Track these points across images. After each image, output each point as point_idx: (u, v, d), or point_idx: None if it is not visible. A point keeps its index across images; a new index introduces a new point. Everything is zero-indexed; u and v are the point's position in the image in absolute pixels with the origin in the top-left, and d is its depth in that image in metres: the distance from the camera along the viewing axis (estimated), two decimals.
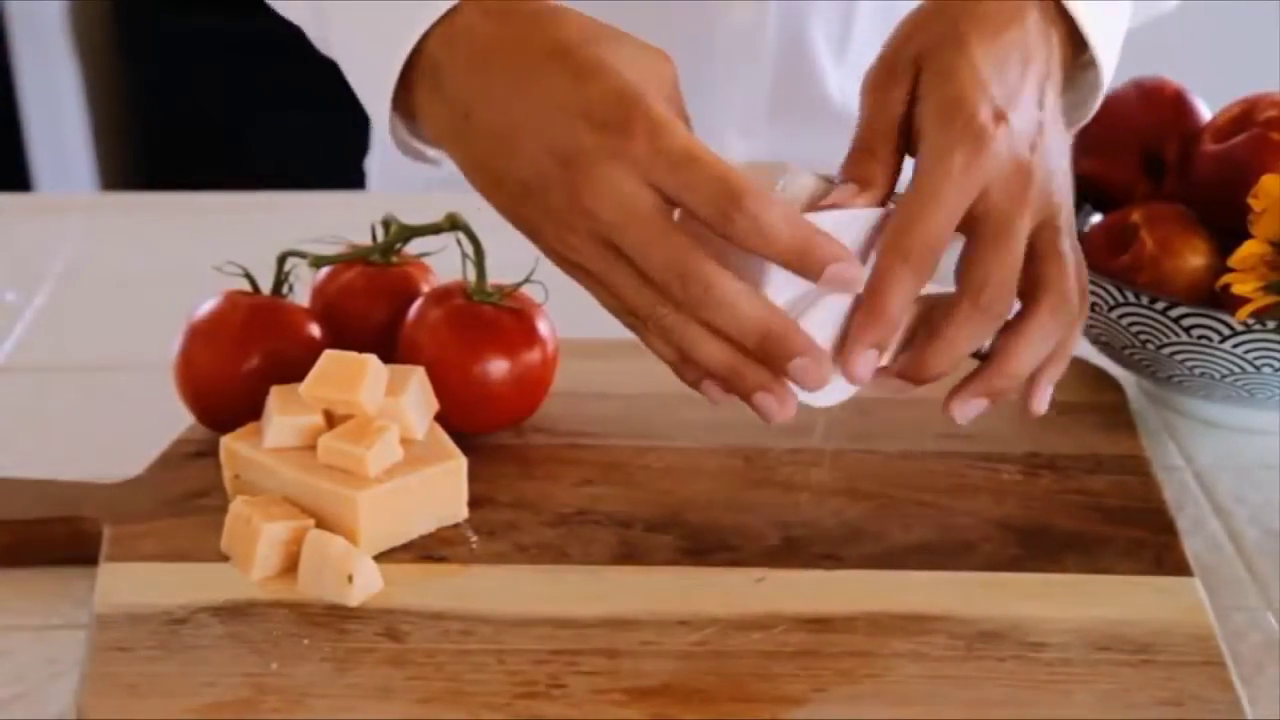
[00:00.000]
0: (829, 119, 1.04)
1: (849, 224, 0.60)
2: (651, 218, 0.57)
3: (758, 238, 0.57)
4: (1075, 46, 0.66)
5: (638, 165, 0.57)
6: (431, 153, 0.69)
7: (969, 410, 0.64)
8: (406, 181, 1.14)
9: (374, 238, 0.77)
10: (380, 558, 0.65)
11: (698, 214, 0.57)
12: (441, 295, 0.73)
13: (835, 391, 0.63)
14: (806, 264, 0.57)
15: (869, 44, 1.01)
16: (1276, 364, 0.73)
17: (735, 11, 1.00)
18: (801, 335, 0.59)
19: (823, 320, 0.61)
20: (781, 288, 0.60)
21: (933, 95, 0.61)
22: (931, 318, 0.62)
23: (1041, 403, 0.64)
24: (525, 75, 0.59)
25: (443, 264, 0.78)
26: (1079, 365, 0.82)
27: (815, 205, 0.61)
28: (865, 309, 0.60)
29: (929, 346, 0.61)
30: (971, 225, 0.60)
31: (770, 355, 0.59)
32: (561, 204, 0.59)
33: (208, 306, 0.73)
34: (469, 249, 0.73)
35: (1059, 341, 0.63)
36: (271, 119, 2.25)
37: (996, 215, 0.60)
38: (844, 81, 1.04)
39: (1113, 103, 0.84)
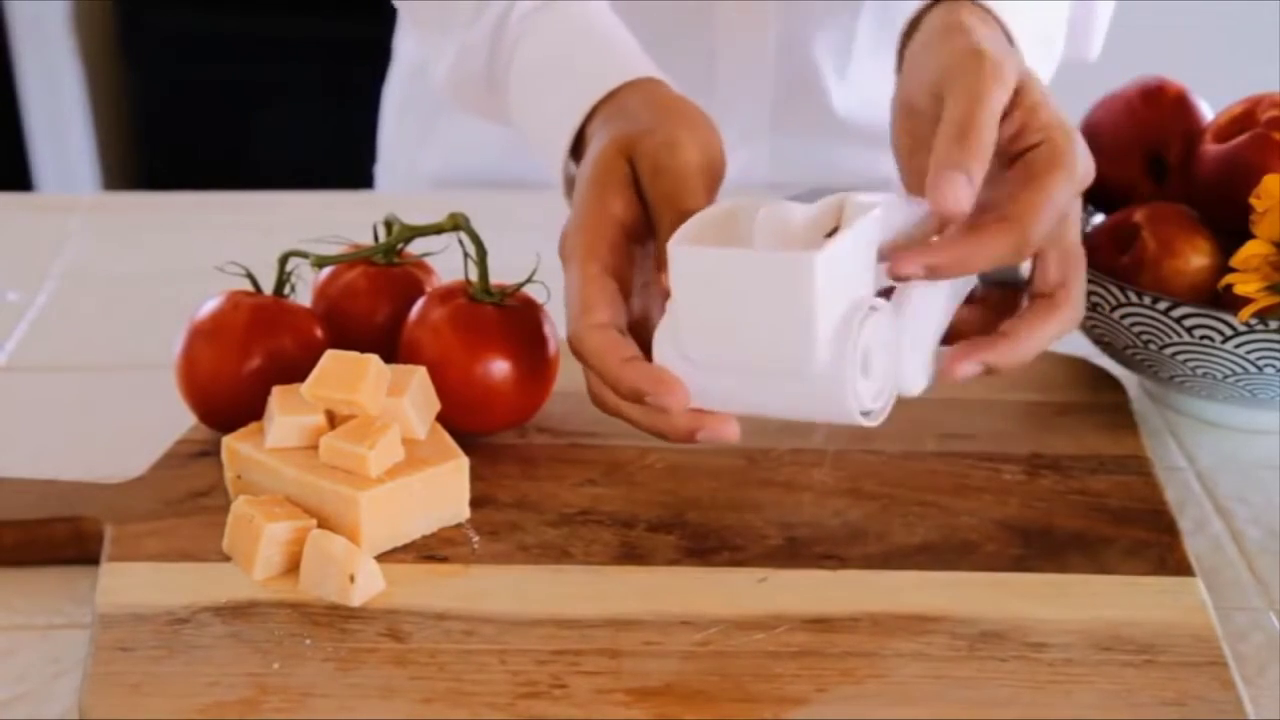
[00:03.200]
0: (832, 129, 1.05)
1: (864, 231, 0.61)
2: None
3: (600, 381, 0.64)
4: None
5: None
6: None
7: (968, 370, 0.64)
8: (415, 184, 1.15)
9: (376, 238, 0.77)
10: (382, 558, 0.65)
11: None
12: (444, 295, 0.73)
13: (918, 376, 0.64)
14: (620, 390, 0.63)
15: (870, 57, 1.01)
16: (1278, 364, 0.73)
17: (737, 29, 1.00)
18: (640, 376, 0.62)
19: (917, 313, 0.63)
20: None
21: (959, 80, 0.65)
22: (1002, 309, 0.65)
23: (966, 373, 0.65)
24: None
25: (445, 264, 0.78)
26: (1081, 365, 0.82)
27: (791, 235, 0.61)
28: (957, 139, 0.62)
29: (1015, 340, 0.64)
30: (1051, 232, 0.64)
31: (623, 394, 0.63)
32: None
33: (210, 306, 0.73)
34: (471, 249, 0.73)
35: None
36: (273, 119, 2.25)
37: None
38: (847, 94, 1.04)
39: (1115, 103, 0.84)
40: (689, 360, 0.62)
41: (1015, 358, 0.64)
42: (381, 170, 1.21)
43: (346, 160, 1.37)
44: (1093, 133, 0.85)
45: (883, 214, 0.62)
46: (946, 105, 0.64)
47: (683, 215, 0.63)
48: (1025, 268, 0.67)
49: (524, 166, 1.08)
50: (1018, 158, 0.65)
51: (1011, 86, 0.65)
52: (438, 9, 0.88)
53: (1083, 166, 0.64)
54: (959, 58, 0.65)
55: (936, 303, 0.65)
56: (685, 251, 0.61)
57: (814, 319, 0.59)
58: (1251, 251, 0.72)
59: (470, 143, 1.10)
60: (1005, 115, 0.65)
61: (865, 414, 0.62)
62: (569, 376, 0.75)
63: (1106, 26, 0.88)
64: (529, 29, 0.80)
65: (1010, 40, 0.70)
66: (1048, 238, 0.64)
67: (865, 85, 1.04)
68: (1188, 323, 0.73)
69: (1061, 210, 0.63)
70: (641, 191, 0.67)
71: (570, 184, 0.75)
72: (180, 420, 0.74)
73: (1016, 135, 0.65)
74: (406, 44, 1.15)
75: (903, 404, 0.76)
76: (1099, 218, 0.85)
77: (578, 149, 0.74)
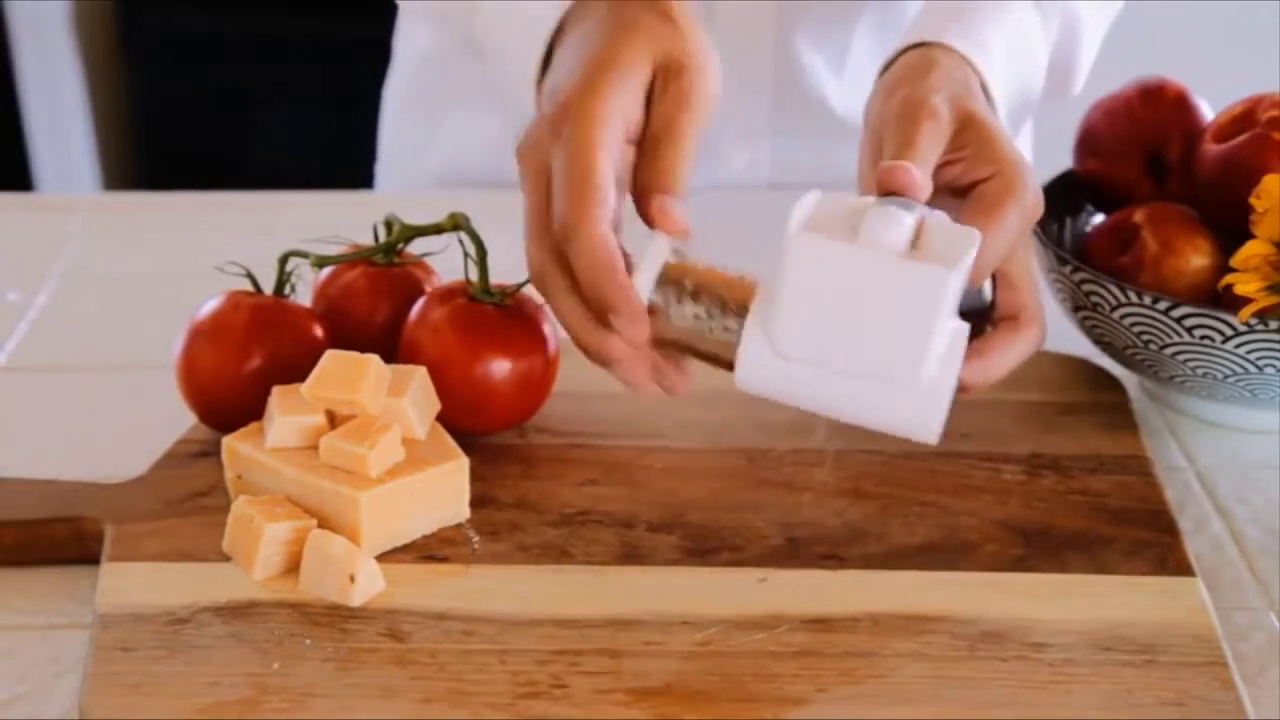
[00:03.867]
0: (832, 130, 1.05)
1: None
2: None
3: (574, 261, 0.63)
4: None
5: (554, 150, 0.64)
6: None
7: None
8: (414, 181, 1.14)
9: (376, 238, 0.77)
10: (382, 558, 0.65)
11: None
12: (444, 295, 0.73)
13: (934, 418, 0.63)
14: (592, 296, 0.62)
15: (868, 57, 1.01)
16: (1278, 364, 0.73)
17: (735, 31, 1.00)
18: (621, 293, 0.61)
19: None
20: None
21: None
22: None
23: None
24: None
25: (445, 264, 0.78)
26: (1081, 365, 0.82)
27: (903, 242, 0.61)
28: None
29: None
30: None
31: (592, 302, 0.62)
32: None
33: (210, 306, 0.73)
34: (471, 249, 0.73)
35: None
36: (273, 119, 2.25)
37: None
38: (844, 94, 1.04)
39: (1115, 104, 0.84)
40: (778, 351, 0.61)
41: (987, 376, 0.67)
42: (382, 170, 1.21)
43: (346, 160, 1.37)
44: (1093, 133, 0.85)
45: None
46: (885, 149, 0.68)
47: (679, 147, 0.63)
48: (987, 293, 0.68)
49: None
50: (970, 189, 0.68)
51: (946, 131, 0.68)
52: None
53: (1033, 196, 0.67)
54: (900, 106, 0.69)
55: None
56: (810, 241, 0.60)
57: (933, 333, 0.59)
58: (1251, 251, 0.72)
59: (472, 143, 1.09)
60: (957, 150, 0.68)
61: (940, 429, 0.62)
62: (569, 376, 0.76)
63: (1091, 63, 0.88)
64: None
65: (984, 86, 0.73)
66: (1007, 262, 0.67)
67: (864, 85, 1.04)
68: (1188, 323, 0.73)
69: (1014, 238, 0.66)
70: (649, 102, 0.66)
71: (542, 73, 0.72)
72: (180, 420, 0.74)
73: (968, 168, 0.68)
74: (407, 43, 1.15)
75: None
76: (1099, 217, 0.85)
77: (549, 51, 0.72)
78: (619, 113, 0.64)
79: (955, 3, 0.76)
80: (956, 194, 0.68)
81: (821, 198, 0.63)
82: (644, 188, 0.64)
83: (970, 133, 0.68)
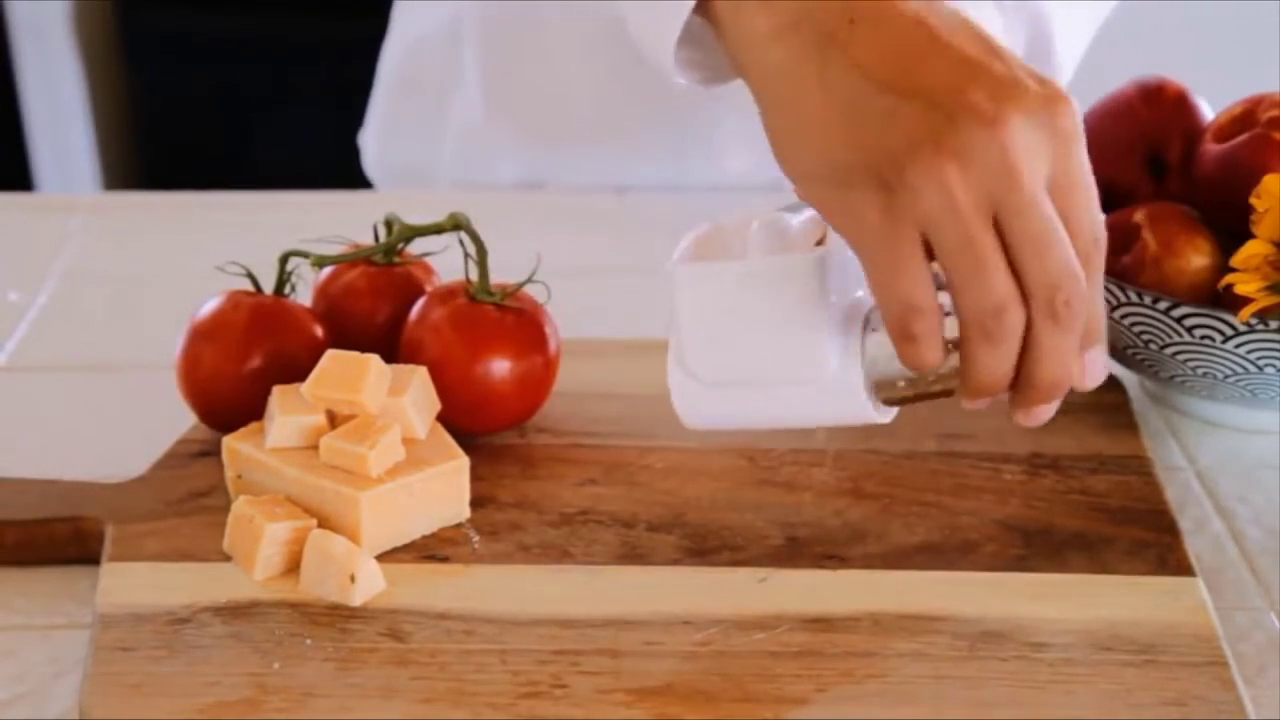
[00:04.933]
0: None
1: None
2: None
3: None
4: None
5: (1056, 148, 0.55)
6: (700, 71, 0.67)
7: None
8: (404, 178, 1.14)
9: (376, 238, 0.77)
10: (383, 558, 0.65)
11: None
12: (444, 295, 0.73)
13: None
14: None
15: None
16: (1279, 364, 0.73)
17: None
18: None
19: None
20: None
21: None
22: None
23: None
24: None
25: (445, 264, 0.78)
26: None
27: (789, 243, 0.61)
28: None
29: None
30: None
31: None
32: (967, 129, 0.54)
33: (210, 306, 0.73)
34: (471, 249, 0.73)
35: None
36: (273, 119, 2.25)
37: None
38: None
39: (1115, 103, 0.84)
40: (701, 382, 0.62)
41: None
42: (371, 162, 1.20)
43: (347, 160, 1.37)
44: (1093, 133, 0.84)
45: None
46: None
47: None
48: None
49: (526, 167, 1.08)
50: None
51: None
52: None
53: None
54: None
55: None
56: (686, 270, 0.61)
57: (821, 319, 0.59)
58: (1252, 251, 0.72)
59: (473, 145, 1.10)
60: None
61: (879, 409, 0.62)
62: (569, 376, 0.76)
63: (1077, 57, 0.87)
64: None
65: None
66: None
67: None
68: (1188, 323, 0.73)
69: None
70: None
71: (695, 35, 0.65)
72: (181, 420, 0.74)
73: None
74: (400, 34, 1.14)
75: None
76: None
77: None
78: None
79: None
80: None
81: (719, 224, 0.64)
82: None
83: None
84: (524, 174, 1.08)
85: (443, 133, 1.11)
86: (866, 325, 0.61)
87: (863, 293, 0.62)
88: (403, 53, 1.14)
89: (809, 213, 0.62)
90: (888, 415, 0.63)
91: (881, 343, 0.61)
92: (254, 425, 0.69)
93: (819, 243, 0.62)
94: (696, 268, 0.61)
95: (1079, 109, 0.56)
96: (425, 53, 1.11)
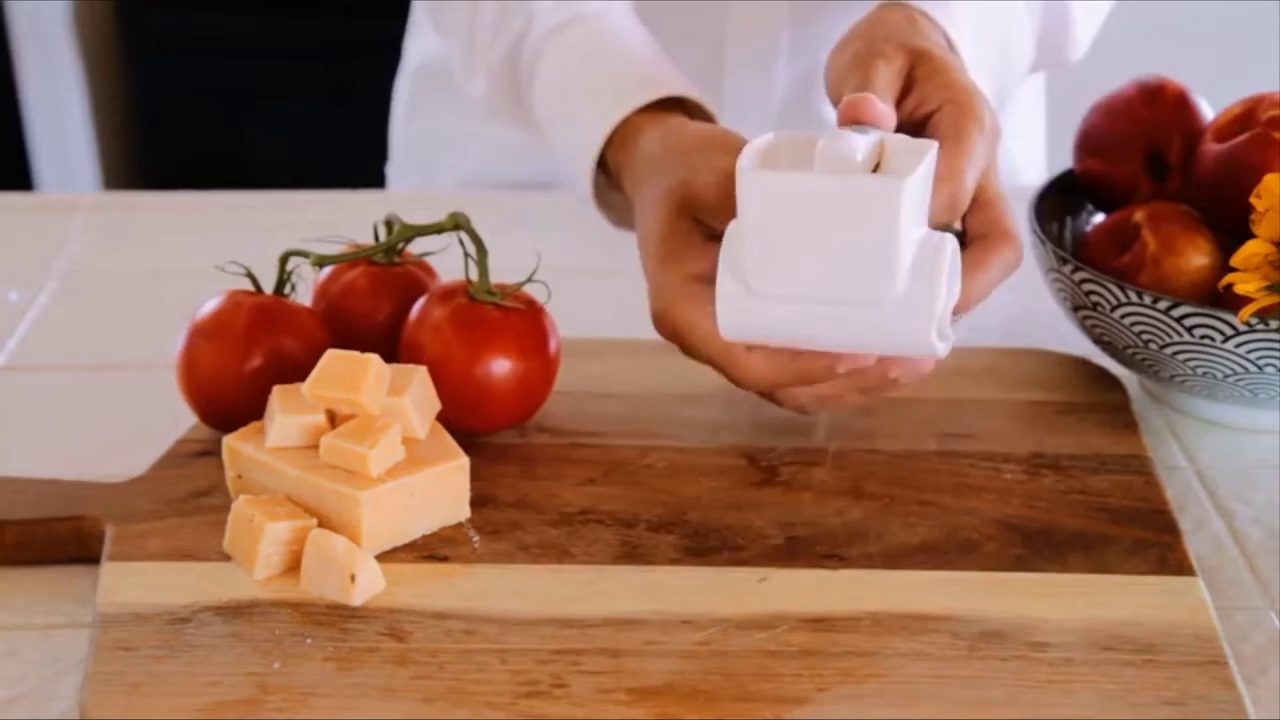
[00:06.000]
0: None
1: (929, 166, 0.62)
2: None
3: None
4: None
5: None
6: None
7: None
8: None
9: (376, 237, 0.77)
10: (383, 557, 0.65)
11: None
12: (444, 295, 0.73)
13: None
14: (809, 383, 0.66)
15: None
16: (1279, 364, 0.73)
17: (748, 35, 1.00)
18: (807, 368, 0.65)
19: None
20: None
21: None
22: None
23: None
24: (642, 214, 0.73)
25: (445, 264, 0.78)
26: (1081, 365, 0.82)
27: (856, 165, 0.61)
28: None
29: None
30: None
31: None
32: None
33: (210, 306, 0.73)
34: (472, 249, 0.73)
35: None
36: (273, 119, 2.25)
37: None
38: None
39: (1115, 103, 0.84)
40: (754, 293, 0.61)
41: (966, 299, 0.65)
42: (394, 171, 1.20)
43: (346, 160, 1.37)
44: (1093, 133, 0.85)
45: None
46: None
47: None
48: (957, 223, 0.68)
49: (528, 168, 1.08)
50: (925, 122, 0.67)
51: (898, 68, 0.68)
52: (462, 24, 0.89)
53: (989, 117, 0.67)
54: (852, 58, 0.69)
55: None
56: (759, 177, 0.60)
57: (897, 245, 0.59)
58: (1252, 251, 0.72)
59: (483, 145, 1.10)
60: (908, 87, 0.68)
61: (941, 338, 0.62)
62: (569, 376, 0.76)
63: (1093, 31, 0.88)
64: (543, 52, 0.82)
65: (949, 41, 0.73)
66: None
67: None
68: (1188, 322, 0.73)
69: (980, 159, 0.66)
70: (709, 226, 0.69)
71: (603, 192, 0.80)
72: (181, 420, 0.74)
73: (920, 100, 0.68)
74: (417, 43, 1.15)
75: (904, 404, 0.77)
76: (1099, 217, 0.85)
77: (606, 159, 0.79)
78: (699, 281, 0.67)
79: None
80: (914, 128, 0.68)
81: (778, 136, 0.63)
82: None
83: (921, 66, 0.68)
84: (528, 175, 1.08)
85: (462, 147, 1.11)
86: (933, 256, 0.61)
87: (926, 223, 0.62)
88: (420, 76, 1.14)
89: (874, 134, 0.62)
90: (945, 347, 0.62)
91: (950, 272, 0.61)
92: (254, 425, 0.69)
93: (876, 168, 0.62)
94: (771, 175, 0.60)
95: None
96: (440, 72, 1.11)
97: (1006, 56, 0.80)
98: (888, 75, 0.68)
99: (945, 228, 0.65)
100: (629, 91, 0.77)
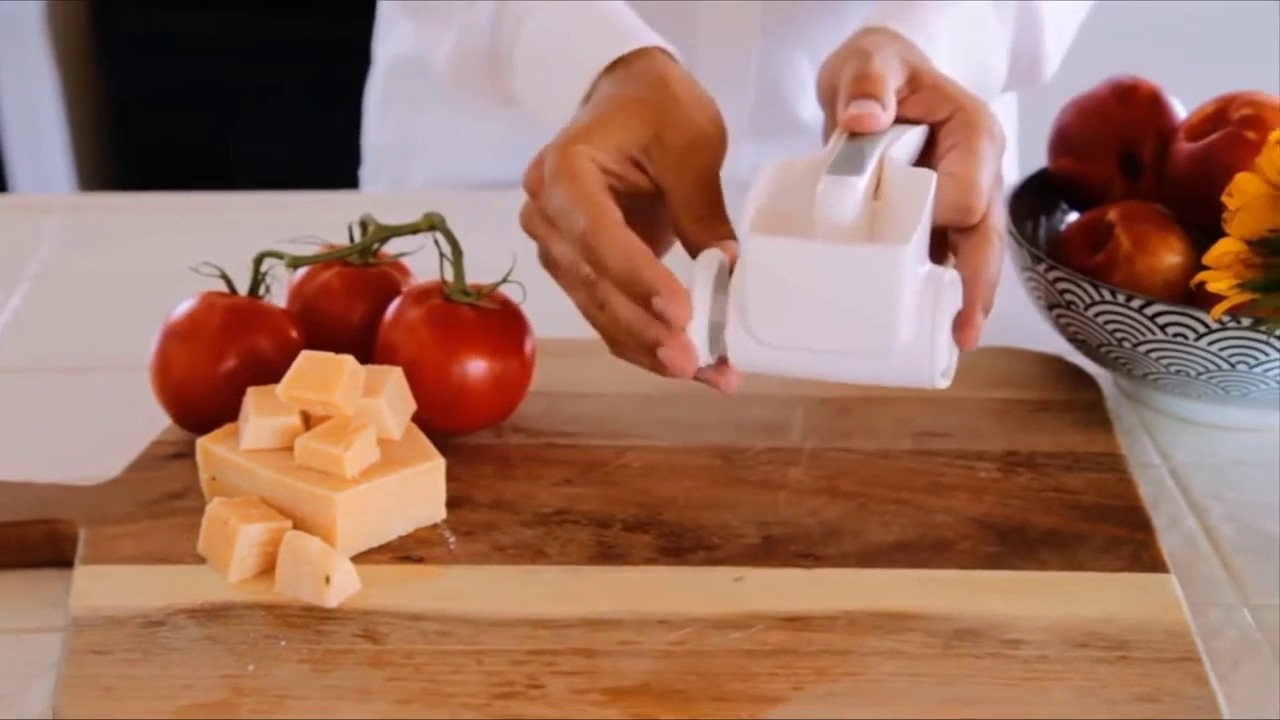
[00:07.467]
0: (814, 135, 1.05)
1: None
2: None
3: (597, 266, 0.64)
4: None
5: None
6: None
7: (980, 324, 0.64)
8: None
9: (351, 238, 0.77)
10: (358, 559, 0.65)
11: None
12: (419, 295, 0.73)
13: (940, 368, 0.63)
14: (634, 290, 0.63)
15: None
16: (1252, 361, 0.74)
17: (720, 40, 1.00)
18: (659, 275, 0.63)
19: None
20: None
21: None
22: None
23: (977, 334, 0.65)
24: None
25: (420, 264, 0.77)
26: (1055, 363, 0.82)
27: (856, 209, 0.61)
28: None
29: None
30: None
31: (636, 294, 0.63)
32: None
33: (184, 307, 0.73)
34: (447, 249, 0.73)
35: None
36: (251, 119, 2.24)
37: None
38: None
39: (1089, 102, 0.84)
40: (762, 343, 0.62)
41: (993, 294, 0.65)
42: (367, 174, 1.20)
43: (324, 160, 1.37)
44: (1066, 132, 0.85)
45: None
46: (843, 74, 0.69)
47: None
48: None
49: (503, 169, 1.08)
50: (935, 133, 0.68)
51: (897, 69, 0.68)
52: None
53: (997, 126, 0.67)
54: (848, 68, 0.69)
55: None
56: (763, 243, 0.61)
57: (900, 304, 0.60)
58: (1224, 249, 0.73)
59: (456, 145, 1.09)
60: (908, 99, 0.68)
61: (944, 376, 0.63)
62: (545, 376, 0.75)
63: (1061, 52, 0.88)
64: (530, 8, 0.80)
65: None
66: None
67: None
68: (1161, 320, 0.74)
69: (993, 168, 0.66)
70: (650, 173, 0.68)
71: None
72: (155, 422, 0.74)
73: (926, 111, 0.68)
74: (385, 46, 1.15)
75: (880, 403, 0.77)
76: (1073, 216, 0.86)
77: None
78: (601, 152, 0.66)
79: (905, 1, 0.76)
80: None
81: (777, 169, 0.63)
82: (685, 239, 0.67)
83: (921, 79, 0.69)
84: (506, 175, 1.08)
85: (435, 148, 1.11)
86: (934, 294, 0.61)
87: (925, 254, 0.62)
88: (391, 77, 1.14)
89: (874, 153, 0.62)
90: (948, 380, 0.63)
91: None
92: (229, 427, 0.69)
93: (877, 190, 0.62)
94: (774, 242, 0.61)
95: None
96: (410, 72, 1.11)
97: (985, 78, 0.80)
98: (888, 68, 0.68)
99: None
100: (617, 38, 0.75)
